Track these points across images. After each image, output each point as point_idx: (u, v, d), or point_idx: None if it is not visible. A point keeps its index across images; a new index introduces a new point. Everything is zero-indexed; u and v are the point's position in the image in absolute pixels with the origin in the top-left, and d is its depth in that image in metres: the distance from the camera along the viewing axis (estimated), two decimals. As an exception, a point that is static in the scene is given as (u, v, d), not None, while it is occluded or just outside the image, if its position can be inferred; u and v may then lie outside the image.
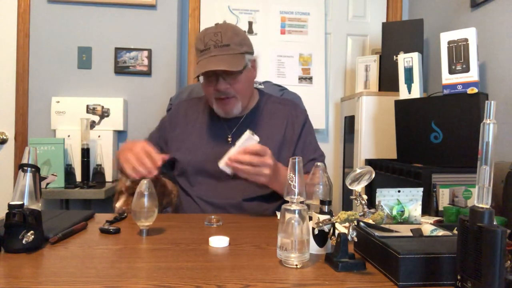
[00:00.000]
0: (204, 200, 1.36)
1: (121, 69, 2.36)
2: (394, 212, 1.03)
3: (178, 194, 1.43)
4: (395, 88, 2.01)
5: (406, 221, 1.03)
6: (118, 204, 1.25)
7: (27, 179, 1.03)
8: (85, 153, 2.11)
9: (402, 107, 1.88)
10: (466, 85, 1.63)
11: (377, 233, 0.86)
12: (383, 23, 2.39)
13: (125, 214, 1.20)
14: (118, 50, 2.36)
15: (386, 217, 1.02)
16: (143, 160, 1.14)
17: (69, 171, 2.08)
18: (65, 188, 2.02)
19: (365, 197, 0.85)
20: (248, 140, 1.15)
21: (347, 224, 0.81)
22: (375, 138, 2.20)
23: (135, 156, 1.15)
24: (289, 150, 1.40)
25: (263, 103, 1.49)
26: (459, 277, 0.66)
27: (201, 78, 1.35)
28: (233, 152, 1.14)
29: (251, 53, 1.37)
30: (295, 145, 1.41)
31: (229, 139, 1.39)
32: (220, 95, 1.33)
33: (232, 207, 1.33)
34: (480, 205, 0.64)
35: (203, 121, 1.45)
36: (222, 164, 1.15)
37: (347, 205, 2.42)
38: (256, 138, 1.15)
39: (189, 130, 1.44)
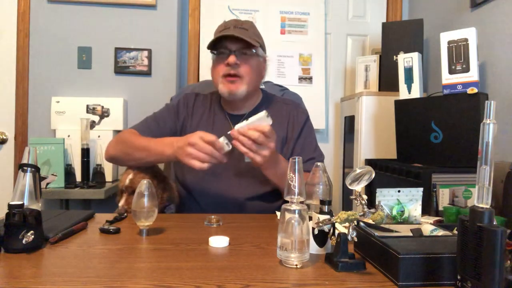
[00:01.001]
0: (205, 198, 1.36)
1: (121, 69, 2.36)
2: (394, 212, 1.03)
3: (179, 192, 1.43)
4: (395, 88, 2.01)
5: (406, 221, 1.02)
6: (120, 203, 1.26)
7: (27, 179, 1.03)
8: (85, 153, 2.11)
9: (402, 107, 1.88)
10: (466, 85, 1.63)
11: (377, 233, 0.86)
12: (383, 23, 2.39)
13: (125, 214, 1.20)
14: (118, 50, 2.36)
15: (386, 217, 1.02)
16: (213, 154, 1.13)
17: (69, 171, 2.08)
18: (65, 188, 2.02)
19: (365, 197, 0.85)
20: (262, 120, 1.15)
21: (347, 224, 0.81)
22: (375, 138, 2.20)
23: (201, 149, 1.13)
24: (289, 149, 1.42)
25: (266, 102, 1.50)
26: (459, 277, 0.66)
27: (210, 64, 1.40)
28: (243, 125, 1.14)
29: (264, 51, 1.47)
30: (295, 144, 1.43)
31: None
32: (228, 70, 1.34)
33: (233, 206, 1.34)
34: (480, 205, 0.64)
35: (209, 117, 1.46)
36: (229, 133, 1.15)
37: (347, 205, 2.42)
38: (269, 121, 1.16)
39: (194, 126, 1.44)
